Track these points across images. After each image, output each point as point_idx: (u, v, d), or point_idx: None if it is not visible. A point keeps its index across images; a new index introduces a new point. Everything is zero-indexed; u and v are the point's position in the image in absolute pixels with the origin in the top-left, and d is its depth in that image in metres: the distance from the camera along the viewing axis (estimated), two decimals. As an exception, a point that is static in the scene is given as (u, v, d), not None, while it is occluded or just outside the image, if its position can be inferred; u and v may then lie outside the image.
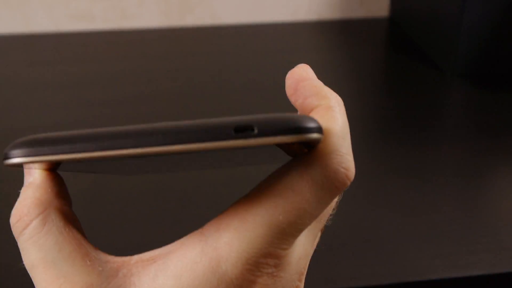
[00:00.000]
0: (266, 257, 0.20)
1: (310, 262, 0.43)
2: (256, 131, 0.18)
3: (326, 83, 0.75)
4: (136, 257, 0.22)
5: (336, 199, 0.24)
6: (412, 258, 0.44)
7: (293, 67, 0.26)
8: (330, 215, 0.24)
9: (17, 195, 0.23)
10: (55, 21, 0.92)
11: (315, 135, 0.19)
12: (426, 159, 0.57)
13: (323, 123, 0.21)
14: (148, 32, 0.92)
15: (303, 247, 0.22)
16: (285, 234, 0.20)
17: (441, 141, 0.61)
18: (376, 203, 0.51)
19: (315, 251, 0.44)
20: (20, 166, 0.20)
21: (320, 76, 0.77)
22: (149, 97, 0.71)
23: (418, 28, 0.86)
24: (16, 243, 0.22)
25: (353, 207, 0.50)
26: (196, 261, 0.20)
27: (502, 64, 0.75)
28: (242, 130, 0.18)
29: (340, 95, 0.71)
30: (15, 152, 0.19)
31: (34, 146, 0.19)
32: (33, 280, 0.21)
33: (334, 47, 0.87)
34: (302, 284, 0.23)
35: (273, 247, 0.20)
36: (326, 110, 0.22)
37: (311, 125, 0.19)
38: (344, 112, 0.22)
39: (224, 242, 0.20)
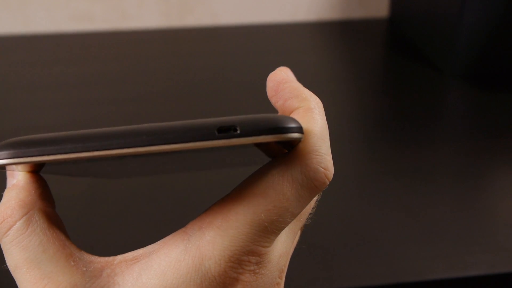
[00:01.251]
0: (248, 254, 0.21)
1: (310, 261, 0.43)
2: (239, 131, 0.19)
3: (325, 83, 0.75)
4: (119, 257, 0.22)
5: (315, 198, 0.25)
6: (411, 258, 0.44)
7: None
8: (310, 214, 0.25)
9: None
10: (55, 22, 0.92)
11: (296, 135, 0.19)
12: (424, 159, 0.57)
13: (303, 124, 0.21)
14: (148, 32, 0.92)
15: (284, 244, 0.22)
16: (266, 232, 0.21)
17: (439, 142, 0.61)
18: (375, 203, 0.51)
19: (316, 251, 0.45)
20: (3, 168, 0.20)
21: (319, 77, 0.77)
22: (149, 97, 0.71)
23: (417, 28, 0.86)
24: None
25: (352, 207, 0.50)
26: (180, 260, 0.21)
27: (501, 64, 0.75)
28: (225, 130, 0.18)
29: (338, 96, 0.71)
30: (1, 153, 0.19)
31: (20, 148, 0.19)
32: (16, 281, 0.21)
33: (333, 47, 0.87)
34: (282, 281, 0.23)
35: (255, 244, 0.21)
36: (306, 111, 0.22)
37: (292, 125, 0.19)
38: (324, 114, 0.22)
39: (207, 240, 0.21)
